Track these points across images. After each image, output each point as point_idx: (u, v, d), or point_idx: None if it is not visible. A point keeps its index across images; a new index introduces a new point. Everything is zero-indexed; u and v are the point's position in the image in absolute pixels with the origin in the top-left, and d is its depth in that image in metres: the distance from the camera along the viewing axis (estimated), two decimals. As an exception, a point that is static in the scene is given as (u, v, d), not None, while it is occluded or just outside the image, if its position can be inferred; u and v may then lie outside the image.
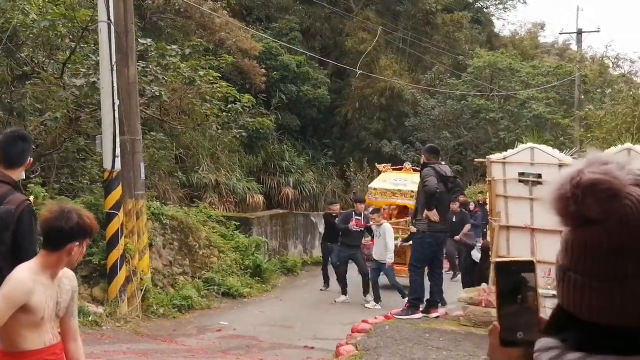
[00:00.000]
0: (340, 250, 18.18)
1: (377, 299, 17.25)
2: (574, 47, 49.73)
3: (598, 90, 40.26)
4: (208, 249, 18.62)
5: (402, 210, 21.43)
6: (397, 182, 20.80)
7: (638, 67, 28.69)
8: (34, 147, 6.00)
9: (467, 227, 19.00)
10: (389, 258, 16.87)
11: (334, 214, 19.57)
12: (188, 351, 12.11)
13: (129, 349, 11.78)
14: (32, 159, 5.89)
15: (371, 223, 17.74)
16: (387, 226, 17.41)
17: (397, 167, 22.41)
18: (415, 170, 20.48)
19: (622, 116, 23.32)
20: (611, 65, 32.06)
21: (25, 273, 4.50)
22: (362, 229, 18.11)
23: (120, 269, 13.98)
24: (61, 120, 15.66)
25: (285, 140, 34.04)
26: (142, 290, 14.72)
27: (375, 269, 17.31)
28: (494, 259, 12.27)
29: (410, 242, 15.95)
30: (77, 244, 4.58)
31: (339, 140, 39.17)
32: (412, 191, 18.52)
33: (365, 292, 17.60)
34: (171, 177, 23.70)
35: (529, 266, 1.84)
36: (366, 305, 17.12)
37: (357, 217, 17.96)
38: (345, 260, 18.00)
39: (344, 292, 17.95)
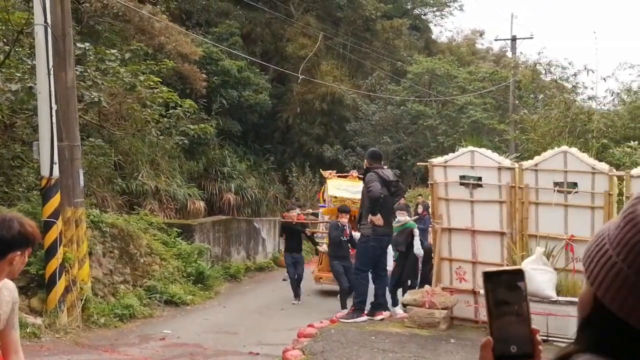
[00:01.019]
0: (335, 264, 17.48)
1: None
2: (510, 53, 50.56)
3: (531, 96, 41.08)
4: (149, 256, 18.36)
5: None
6: (355, 192, 19.71)
7: (569, 73, 29.32)
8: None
9: None
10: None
11: (294, 222, 19.26)
12: (130, 360, 11.92)
13: (69, 360, 11.55)
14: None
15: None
16: None
17: (342, 175, 22.10)
18: (360, 178, 19.64)
19: (554, 120, 23.90)
20: (543, 72, 32.65)
21: (-38, 284, 4.32)
22: (347, 239, 17.26)
23: (59, 279, 13.68)
24: (-6, 126, 15.29)
25: (226, 145, 33.87)
26: (82, 300, 14.44)
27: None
28: (436, 261, 12.36)
29: None
30: (19, 253, 4.39)
31: (280, 145, 39.18)
32: None
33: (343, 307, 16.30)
34: (110, 183, 23.35)
35: (519, 275, 1.73)
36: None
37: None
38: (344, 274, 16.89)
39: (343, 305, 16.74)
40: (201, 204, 28.33)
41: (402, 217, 15.85)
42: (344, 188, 20.56)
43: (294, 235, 18.97)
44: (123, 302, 15.85)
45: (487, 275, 1.73)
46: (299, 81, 32.17)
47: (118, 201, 23.39)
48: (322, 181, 22.21)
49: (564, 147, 12.30)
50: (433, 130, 40.42)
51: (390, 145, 39.03)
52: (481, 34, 64.01)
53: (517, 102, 40.55)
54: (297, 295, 18.58)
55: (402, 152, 40.65)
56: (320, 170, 23.27)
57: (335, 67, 40.22)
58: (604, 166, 11.75)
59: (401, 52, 45.44)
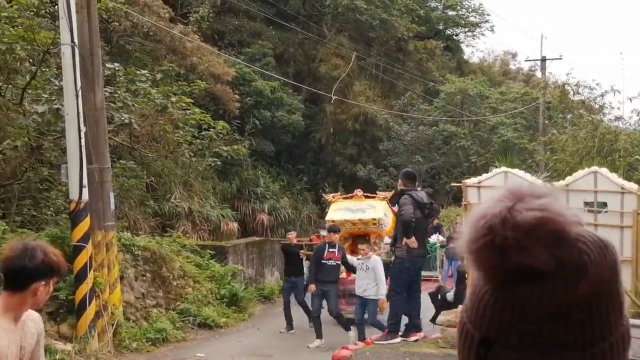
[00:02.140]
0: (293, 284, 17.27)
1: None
2: (539, 73, 50.59)
3: (560, 115, 41.00)
4: (182, 279, 18.23)
5: (357, 239, 18.82)
6: (355, 211, 18.79)
7: (596, 94, 29.31)
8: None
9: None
10: (383, 293, 14.66)
11: (292, 244, 18.34)
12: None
13: (100, 387, 11.41)
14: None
15: (355, 257, 15.90)
16: (377, 258, 15.27)
17: (347, 196, 20.20)
18: (367, 197, 19.47)
19: (582, 140, 23.80)
20: (572, 92, 32.55)
21: (-16, 317, 4.13)
22: (339, 262, 16.01)
23: (89, 304, 13.50)
24: (22, 148, 15.11)
25: (259, 166, 33.84)
26: (113, 325, 14.30)
27: (361, 305, 15.02)
28: (470, 280, 12.13)
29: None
30: (43, 283, 4.20)
31: (313, 165, 39.09)
32: (374, 218, 18.12)
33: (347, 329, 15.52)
34: (142, 205, 23.31)
35: None
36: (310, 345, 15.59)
37: (330, 249, 15.92)
38: (319, 297, 15.93)
39: (319, 336, 15.77)
40: (234, 225, 28.27)
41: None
42: (345, 208, 19.18)
43: (291, 258, 18.01)
44: (156, 326, 15.71)
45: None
46: (332, 102, 32.11)
47: (150, 223, 23.34)
48: (327, 205, 20.61)
49: (594, 168, 12.23)
50: (465, 150, 40.35)
51: (422, 165, 38.96)
52: (514, 55, 64.11)
53: (546, 122, 40.50)
54: (288, 323, 17.39)
55: (434, 172, 40.51)
56: (324, 194, 22.39)
57: (367, 87, 40.19)
58: (633, 186, 11.82)
59: (433, 73, 45.44)
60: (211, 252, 21.02)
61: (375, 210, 18.51)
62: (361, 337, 14.41)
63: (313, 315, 15.94)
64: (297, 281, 17.61)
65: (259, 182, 32.61)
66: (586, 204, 11.49)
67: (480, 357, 1.40)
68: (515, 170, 12.49)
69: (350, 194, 19.98)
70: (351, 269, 16.12)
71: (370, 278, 14.63)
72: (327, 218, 19.15)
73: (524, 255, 1.31)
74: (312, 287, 15.59)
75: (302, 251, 17.95)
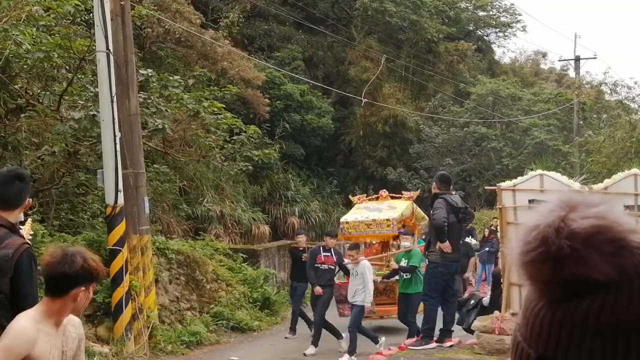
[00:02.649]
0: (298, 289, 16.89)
1: (351, 348, 14.20)
2: (571, 73, 50.06)
3: (594, 116, 40.56)
4: (215, 282, 18.35)
5: (385, 245, 19.11)
6: (371, 212, 18.10)
7: (635, 93, 28.80)
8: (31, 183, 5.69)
9: (473, 260, 18.40)
10: (368, 301, 14.35)
11: (301, 248, 17.83)
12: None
13: (138, 389, 11.51)
14: (30, 200, 5.59)
15: (346, 261, 15.66)
16: (366, 263, 14.81)
17: (373, 197, 19.76)
18: (392, 197, 18.93)
19: (620, 141, 23.40)
20: (608, 92, 32.18)
21: (27, 322, 4.18)
22: (332, 267, 15.76)
23: (126, 307, 13.64)
24: (59, 154, 15.29)
25: (289, 169, 33.88)
26: (148, 328, 14.41)
27: (358, 313, 14.48)
28: (505, 286, 12.12)
29: (396, 278, 16.03)
30: (83, 288, 4.28)
31: (343, 168, 39.10)
32: (389, 219, 17.27)
33: (314, 342, 15.05)
34: (175, 209, 23.45)
35: None
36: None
37: (325, 253, 15.70)
38: (313, 302, 15.87)
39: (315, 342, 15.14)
40: (266, 228, 28.36)
41: (406, 243, 15.71)
42: (364, 208, 18.55)
43: (297, 262, 17.46)
44: (190, 329, 15.82)
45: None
46: (362, 104, 32.11)
47: (183, 226, 23.48)
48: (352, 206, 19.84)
49: (635, 170, 11.93)
50: (497, 152, 40.10)
51: (454, 167, 38.69)
52: (544, 55, 63.59)
53: (581, 123, 40.10)
54: (291, 327, 17.07)
55: (466, 174, 40.26)
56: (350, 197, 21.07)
57: (397, 89, 40.07)
58: None
59: (464, 74, 45.22)
60: (243, 255, 21.14)
61: (393, 211, 17.77)
62: (352, 346, 14.00)
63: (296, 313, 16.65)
64: (298, 287, 17.30)
65: (289, 186, 32.67)
66: (626, 207, 11.25)
67: None
68: (552, 173, 12.35)
69: (376, 195, 19.63)
70: (347, 272, 15.74)
71: (360, 284, 14.37)
72: (341, 219, 18.80)
73: (582, 266, 1.25)
74: (318, 289, 15.42)
75: (304, 255, 17.17)
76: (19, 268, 5.14)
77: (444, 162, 38.87)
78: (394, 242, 18.20)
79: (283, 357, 14.67)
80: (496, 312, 12.02)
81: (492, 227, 24.15)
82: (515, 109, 41.93)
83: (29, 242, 5.52)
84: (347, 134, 39.00)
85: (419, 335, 12.60)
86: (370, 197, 19.82)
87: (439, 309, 12.74)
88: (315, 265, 15.58)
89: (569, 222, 1.28)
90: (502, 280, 12.54)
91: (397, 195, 19.15)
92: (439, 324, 12.75)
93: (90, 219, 17.03)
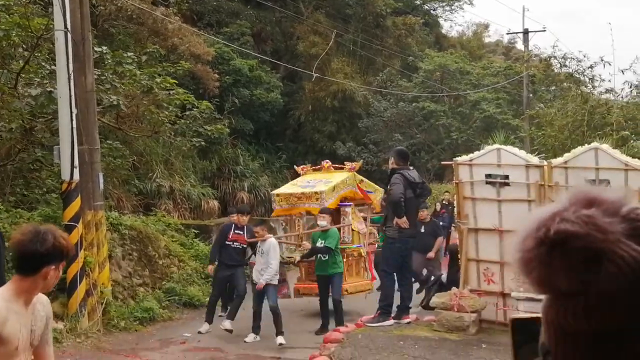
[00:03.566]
0: (218, 270, 15.23)
1: (256, 330, 13.98)
2: (519, 46, 50.38)
3: (543, 89, 40.82)
4: (168, 258, 18.28)
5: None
6: (306, 184, 17.30)
7: (585, 66, 29.03)
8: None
9: (439, 240, 17.72)
10: (266, 279, 13.55)
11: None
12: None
13: (93, 366, 11.44)
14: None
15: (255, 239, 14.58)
16: (272, 241, 14.12)
17: (317, 167, 18.72)
18: (336, 168, 18.05)
19: (571, 114, 23.54)
20: (558, 65, 32.35)
21: (-3, 300, 4.18)
22: (244, 246, 14.88)
23: (80, 283, 13.59)
24: (16, 130, 15.19)
25: (238, 144, 33.82)
26: (102, 304, 14.36)
27: (258, 293, 13.88)
28: (463, 262, 12.19)
29: (312, 258, 15.11)
30: (53, 267, 4.29)
31: (292, 143, 39.11)
32: (317, 192, 16.34)
33: (278, 332, 13.66)
34: (126, 184, 23.30)
35: None
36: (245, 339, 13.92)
37: (236, 231, 14.89)
38: (222, 282, 15.16)
39: (255, 331, 14.10)
40: (215, 203, 28.34)
41: (322, 222, 14.62)
42: (300, 183, 17.69)
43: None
44: (143, 305, 15.78)
45: (516, 323, 1.47)
46: (313, 79, 32.06)
47: (133, 202, 23.39)
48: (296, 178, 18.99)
49: (595, 144, 11.93)
50: (446, 127, 40.34)
51: (402, 142, 38.76)
52: (486, 27, 63.92)
53: (531, 95, 40.34)
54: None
55: (415, 149, 40.36)
56: (295, 167, 20.05)
57: (346, 64, 40.09)
58: (638, 162, 11.39)
59: (412, 48, 45.32)
60: (195, 231, 21.07)
61: (326, 184, 16.75)
62: (256, 325, 13.82)
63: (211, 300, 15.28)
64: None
65: (238, 161, 32.64)
66: (587, 181, 11.29)
67: None
68: (509, 148, 12.42)
69: (319, 166, 18.69)
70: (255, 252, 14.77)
71: (265, 263, 13.79)
72: (273, 192, 18.34)
73: (547, 270, 1.24)
74: (211, 267, 15.12)
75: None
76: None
77: (392, 137, 39.01)
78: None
79: (237, 334, 14.51)
80: (454, 289, 12.08)
81: (443, 202, 24.29)
82: (464, 83, 42.09)
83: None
84: (296, 109, 38.97)
85: (377, 312, 12.60)
86: (314, 168, 18.83)
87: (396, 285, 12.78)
88: (226, 242, 14.80)
89: (551, 222, 1.25)
90: (459, 257, 12.58)
91: (340, 166, 18.33)
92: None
93: (45, 194, 16.90)
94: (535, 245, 1.24)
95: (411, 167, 12.82)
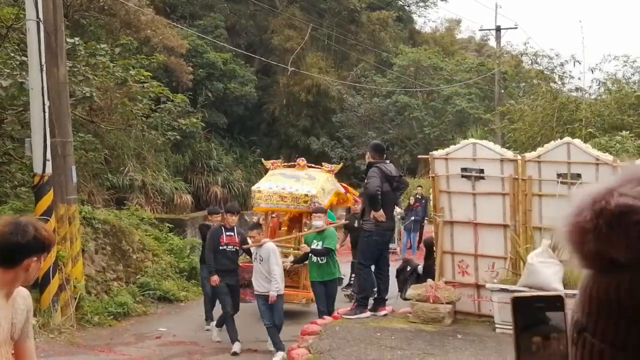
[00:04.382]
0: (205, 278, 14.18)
1: (278, 346, 12.27)
2: (492, 43, 50.73)
3: (514, 85, 41.31)
4: (142, 252, 18.13)
5: (295, 219, 16.86)
6: (288, 180, 15.99)
7: (555, 63, 29.48)
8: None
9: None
10: (274, 289, 12.20)
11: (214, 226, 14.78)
12: (135, 362, 11.70)
13: (66, 362, 11.32)
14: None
15: (249, 244, 13.21)
16: (270, 246, 12.65)
17: (289, 164, 17.43)
18: (309, 166, 16.88)
19: (541, 110, 23.94)
20: (530, 62, 32.76)
21: (-23, 293, 4.08)
22: (237, 248, 13.54)
23: (53, 277, 13.38)
24: (-16, 122, 14.95)
25: (212, 138, 33.81)
26: (75, 299, 14.20)
27: (265, 305, 12.43)
28: (438, 254, 12.24)
29: (305, 263, 14.16)
30: (35, 259, 4.20)
31: (266, 137, 39.16)
32: (307, 195, 15.28)
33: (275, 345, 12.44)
34: (97, 178, 23.14)
35: (556, 303, 1.40)
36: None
37: (228, 233, 13.45)
38: (227, 290, 13.35)
39: (234, 338, 12.96)
40: (188, 198, 28.28)
41: (318, 222, 13.48)
42: (279, 180, 16.09)
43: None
44: (117, 300, 15.62)
45: (517, 303, 1.41)
46: (288, 73, 31.99)
47: (104, 196, 23.26)
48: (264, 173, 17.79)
49: (567, 139, 12.13)
50: (419, 122, 40.52)
51: (376, 138, 38.92)
52: (458, 22, 64.22)
53: (502, 92, 40.67)
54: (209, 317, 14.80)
55: (388, 144, 40.52)
56: (263, 160, 18.92)
57: (320, 58, 40.15)
58: (608, 157, 11.55)
59: (386, 44, 45.44)
60: (169, 225, 20.94)
61: (312, 183, 15.76)
62: (276, 343, 12.32)
63: (226, 315, 13.28)
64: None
65: (212, 155, 32.60)
66: (559, 175, 11.45)
67: (573, 340, 1.33)
68: (485, 142, 12.50)
69: (293, 163, 17.42)
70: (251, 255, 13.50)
71: (265, 270, 12.38)
72: (253, 188, 16.57)
73: (604, 244, 1.21)
74: (216, 278, 13.15)
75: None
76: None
77: (366, 131, 39.15)
78: (307, 221, 15.55)
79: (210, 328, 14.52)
80: (430, 281, 12.12)
81: (417, 196, 24.43)
82: (437, 78, 42.41)
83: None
84: (271, 103, 38.99)
85: (354, 305, 12.59)
86: (286, 164, 17.54)
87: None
88: (220, 247, 13.33)
89: (609, 197, 1.22)
90: (434, 249, 12.64)
91: (317, 166, 17.22)
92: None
93: (15, 188, 16.68)
94: (594, 218, 1.22)
95: (387, 161, 12.81)
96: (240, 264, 14.05)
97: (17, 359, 4.40)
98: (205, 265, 13.98)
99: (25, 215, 5.51)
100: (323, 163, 17.90)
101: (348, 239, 17.65)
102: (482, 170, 11.96)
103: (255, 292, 12.57)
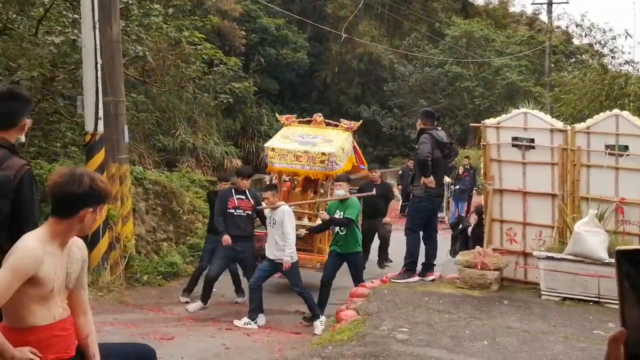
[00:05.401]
0: (218, 244, 12.98)
1: (254, 314, 11.94)
2: (543, 17, 50.25)
3: (564, 60, 40.97)
4: (192, 214, 18.23)
5: (309, 182, 15.65)
6: (304, 141, 14.93)
7: (609, 37, 29.15)
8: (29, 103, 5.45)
9: (392, 204, 16.78)
10: (288, 255, 11.74)
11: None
12: (177, 320, 11.77)
13: (115, 319, 11.39)
14: (29, 120, 5.45)
15: (263, 205, 12.45)
16: (286, 209, 12.07)
17: (305, 120, 16.54)
18: (328, 124, 16.02)
19: (590, 83, 23.70)
20: (583, 35, 32.41)
21: (34, 242, 4.11)
22: (250, 212, 12.84)
23: (103, 236, 13.38)
24: (37, 79, 14.94)
25: (263, 104, 33.77)
26: (125, 258, 14.25)
27: (266, 270, 12.07)
28: (487, 222, 12.21)
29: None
30: (90, 209, 4.23)
31: (317, 105, 39.01)
32: (324, 153, 14.36)
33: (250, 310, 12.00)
34: (148, 140, 23.27)
35: None
36: (235, 322, 11.85)
37: (238, 196, 12.86)
38: (227, 261, 12.95)
39: (203, 299, 12.88)
40: (238, 162, 28.35)
41: (340, 191, 12.58)
42: (295, 137, 15.21)
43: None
44: (167, 260, 15.67)
45: (622, 254, 1.38)
46: (341, 40, 31.91)
47: (155, 158, 23.36)
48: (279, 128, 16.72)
49: (616, 111, 12.05)
50: (470, 92, 40.28)
51: (427, 107, 38.86)
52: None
53: (552, 65, 40.29)
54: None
55: (439, 114, 40.36)
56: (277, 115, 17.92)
57: (373, 27, 40.03)
58: None
59: (439, 14, 45.13)
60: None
61: (330, 144, 14.82)
62: (253, 310, 11.91)
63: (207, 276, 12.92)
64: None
65: (262, 120, 32.63)
66: (607, 146, 11.38)
67: None
68: (536, 112, 12.37)
69: (309, 118, 16.44)
70: (263, 221, 12.94)
71: (279, 234, 11.85)
72: (266, 144, 15.64)
73: None
74: (227, 237, 12.48)
75: None
76: (20, 190, 5.05)
77: (417, 101, 39.02)
78: (324, 182, 15.04)
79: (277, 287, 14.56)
80: (478, 247, 12.11)
81: (465, 166, 24.34)
82: (489, 50, 42.09)
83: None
84: (322, 70, 38.97)
85: (402, 269, 12.57)
86: (301, 120, 16.58)
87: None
88: (229, 211, 12.77)
89: None
90: (483, 216, 12.62)
91: (334, 123, 16.20)
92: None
93: (64, 147, 16.78)
94: None
95: (439, 128, 12.72)
96: (255, 232, 13.43)
97: (71, 308, 4.46)
98: (212, 234, 13.57)
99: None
100: (341, 119, 16.64)
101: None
102: (532, 140, 11.88)
103: (269, 257, 12.01)
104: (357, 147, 16.09)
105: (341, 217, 12.30)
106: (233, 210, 12.76)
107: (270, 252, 11.92)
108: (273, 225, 11.94)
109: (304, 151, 14.52)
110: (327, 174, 14.56)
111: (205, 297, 12.84)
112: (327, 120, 16.21)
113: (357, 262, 12.57)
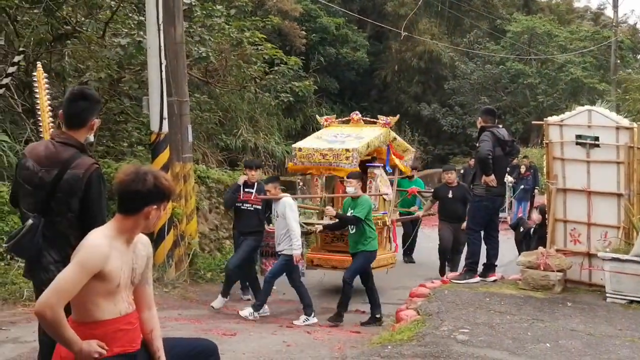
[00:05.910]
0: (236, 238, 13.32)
1: (257, 307, 12.00)
2: (608, 12, 49.50)
3: (630, 55, 40.25)
4: (253, 212, 18.34)
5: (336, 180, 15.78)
6: (336, 139, 14.75)
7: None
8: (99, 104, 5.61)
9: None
10: (297, 247, 11.75)
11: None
12: (240, 316, 11.87)
13: (179, 315, 11.56)
14: (97, 120, 5.60)
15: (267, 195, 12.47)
16: (287, 201, 12.09)
17: (344, 120, 16.31)
18: (366, 122, 15.88)
19: (661, 81, 23.28)
20: (647, 30, 31.91)
21: (101, 238, 4.26)
22: (258, 207, 12.87)
23: (168, 233, 13.67)
24: (104, 80, 15.27)
25: (323, 103, 33.86)
26: (189, 255, 14.46)
27: (281, 265, 12.06)
28: (550, 222, 12.06)
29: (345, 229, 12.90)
30: (155, 207, 4.38)
31: (377, 103, 39.08)
32: (348, 149, 14.04)
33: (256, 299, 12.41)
34: (210, 139, 23.48)
35: None
36: (241, 312, 11.94)
37: (245, 189, 12.96)
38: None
39: (224, 294, 12.58)
40: (299, 161, 28.30)
41: (350, 188, 12.32)
42: (327, 137, 15.08)
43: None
44: (229, 258, 15.78)
45: None
46: (401, 38, 31.83)
47: (218, 157, 23.54)
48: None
49: None
50: (532, 90, 39.85)
51: (488, 105, 38.46)
52: (578, -8, 62.76)
53: (618, 62, 39.65)
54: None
55: (500, 112, 40.05)
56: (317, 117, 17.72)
57: (433, 24, 39.88)
58: None
59: (500, 10, 44.75)
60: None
61: (360, 140, 14.49)
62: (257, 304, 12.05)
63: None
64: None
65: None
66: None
67: None
68: (600, 109, 12.11)
69: (347, 118, 16.26)
70: (269, 220, 13.16)
71: (283, 227, 11.87)
72: (294, 145, 15.53)
73: None
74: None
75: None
76: (89, 188, 5.21)
77: (478, 99, 38.75)
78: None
79: (321, 289, 14.60)
80: (541, 248, 11.96)
81: (525, 165, 24.15)
82: (551, 46, 41.53)
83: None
84: (382, 69, 38.92)
85: (463, 269, 12.51)
86: (341, 120, 16.39)
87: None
88: (236, 205, 12.99)
89: None
90: (547, 216, 12.46)
91: (372, 120, 15.99)
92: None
93: (131, 146, 17.07)
94: None
95: (500, 126, 12.62)
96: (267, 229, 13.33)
97: (136, 303, 4.59)
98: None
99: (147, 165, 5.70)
100: (379, 116, 16.17)
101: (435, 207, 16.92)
102: (597, 138, 11.67)
103: (277, 251, 12.11)
104: (393, 145, 15.62)
105: (351, 214, 12.09)
106: (240, 204, 12.93)
107: (279, 245, 12.05)
108: (276, 218, 12.09)
109: (328, 149, 14.35)
110: (346, 171, 13.77)
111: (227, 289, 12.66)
112: (365, 118, 16.14)
113: (358, 260, 12.20)
